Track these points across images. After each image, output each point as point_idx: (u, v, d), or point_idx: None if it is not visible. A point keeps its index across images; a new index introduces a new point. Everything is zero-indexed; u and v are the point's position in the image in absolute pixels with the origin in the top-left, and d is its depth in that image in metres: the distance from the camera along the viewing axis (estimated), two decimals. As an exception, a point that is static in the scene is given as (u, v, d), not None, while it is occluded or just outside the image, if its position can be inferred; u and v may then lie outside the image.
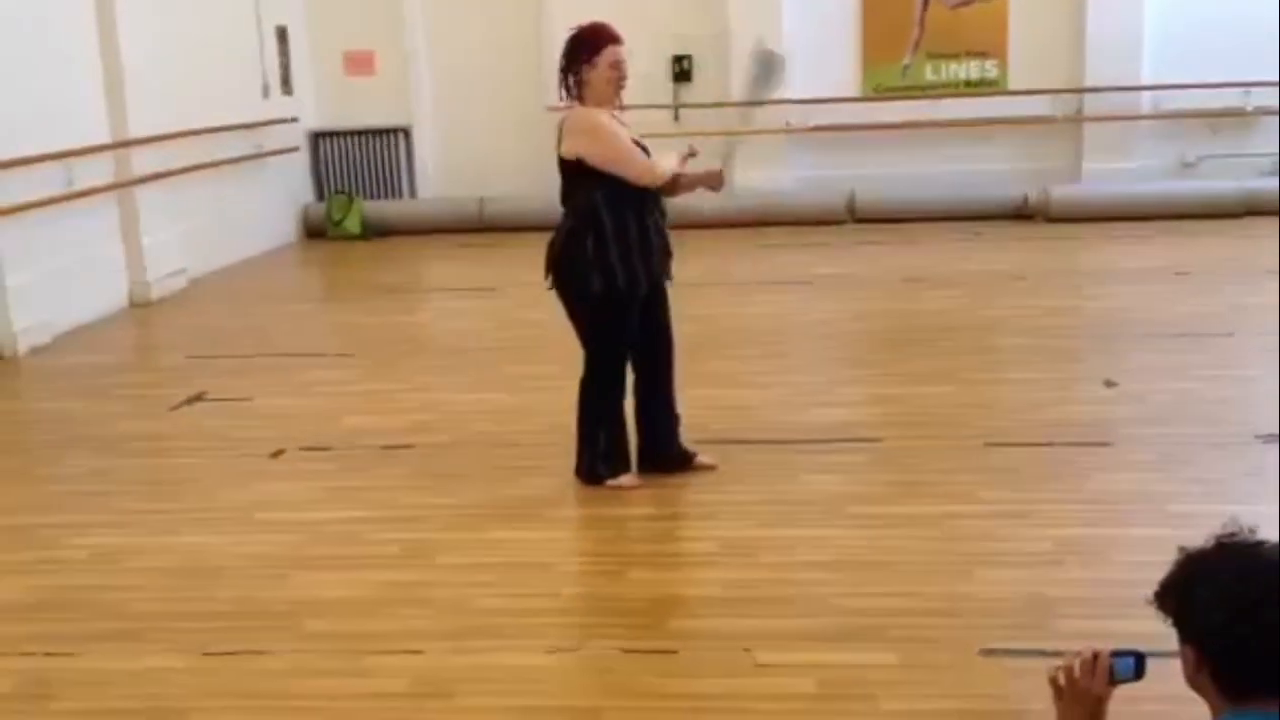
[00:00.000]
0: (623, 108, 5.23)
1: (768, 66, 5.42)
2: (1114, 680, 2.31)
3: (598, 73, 5.06)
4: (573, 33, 5.16)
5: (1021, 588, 4.22)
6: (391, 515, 5.16)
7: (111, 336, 9.03)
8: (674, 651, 3.91)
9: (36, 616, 4.35)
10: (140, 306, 9.78)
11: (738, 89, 5.45)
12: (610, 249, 5.05)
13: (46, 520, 5.26)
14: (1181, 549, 2.20)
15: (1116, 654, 2.31)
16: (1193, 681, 2.15)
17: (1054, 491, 5.12)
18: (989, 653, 3.77)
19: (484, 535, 4.91)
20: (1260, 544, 2.15)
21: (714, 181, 5.28)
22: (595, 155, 5.04)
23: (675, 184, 5.24)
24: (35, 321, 8.40)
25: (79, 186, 9.04)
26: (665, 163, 5.15)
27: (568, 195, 5.18)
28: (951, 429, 5.98)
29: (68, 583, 4.62)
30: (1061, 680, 2.35)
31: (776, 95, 5.41)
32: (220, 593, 4.48)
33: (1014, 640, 3.82)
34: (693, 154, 5.25)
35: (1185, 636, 2.14)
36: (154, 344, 9.23)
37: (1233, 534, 2.18)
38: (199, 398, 7.04)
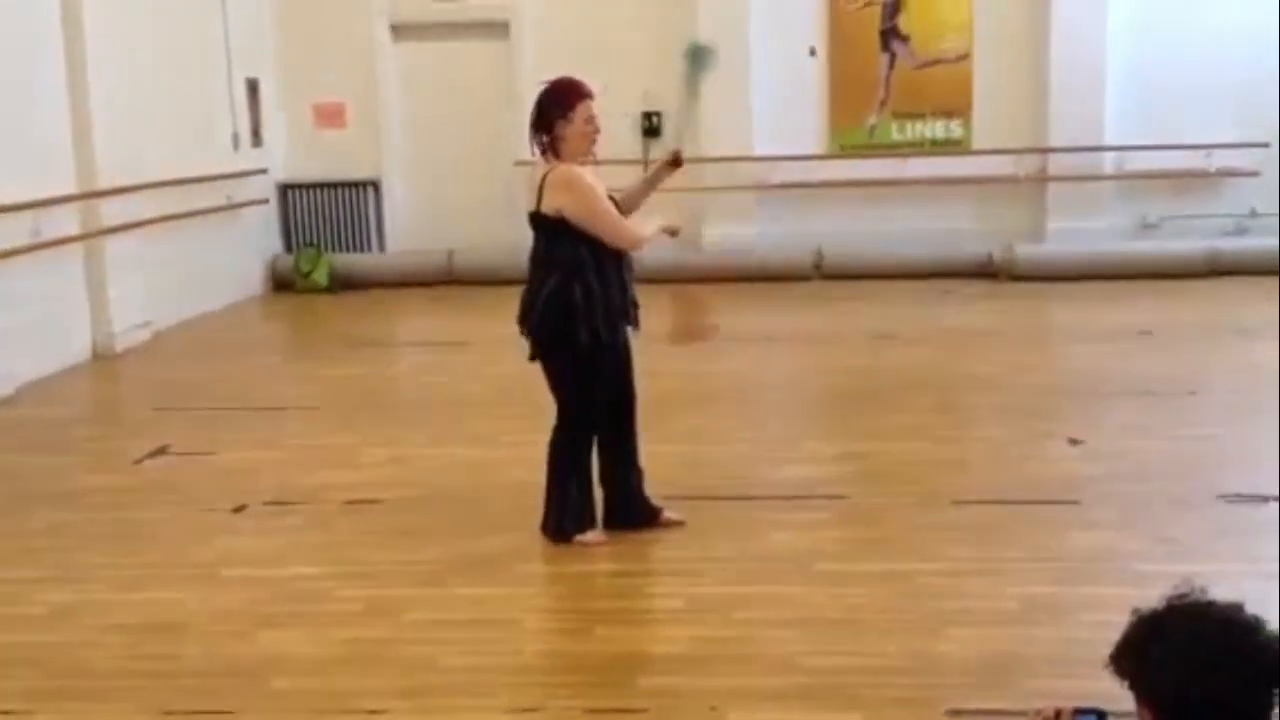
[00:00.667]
0: (596, 162, 5.25)
1: (698, 59, 5.50)
2: None
3: (574, 128, 5.08)
4: (545, 88, 5.18)
5: (988, 646, 4.22)
6: (356, 571, 5.12)
7: (75, 389, 8.96)
8: (641, 710, 3.88)
9: (-6, 674, 4.29)
10: (104, 359, 9.72)
11: (677, 89, 5.54)
12: (596, 303, 5.07)
13: (5, 575, 5.19)
14: (1135, 610, 2.21)
15: (1079, 711, 2.32)
16: None
17: (1021, 549, 5.12)
18: (956, 713, 3.76)
19: (449, 591, 4.88)
20: (1210, 604, 2.16)
21: (672, 233, 5.36)
22: (578, 215, 5.05)
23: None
24: (-2, 373, 8.34)
25: (45, 237, 9.00)
26: (646, 229, 5.20)
27: (546, 251, 5.16)
28: (918, 486, 5.99)
29: (26, 639, 4.56)
30: (1024, 737, 2.35)
31: (704, 83, 5.52)
32: (183, 650, 4.43)
33: (981, 700, 3.81)
34: (674, 232, 5.31)
35: (1141, 697, 2.15)
36: (118, 397, 9.16)
37: (1184, 594, 2.19)
38: (162, 451, 6.99)
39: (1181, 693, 2.07)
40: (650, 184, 5.42)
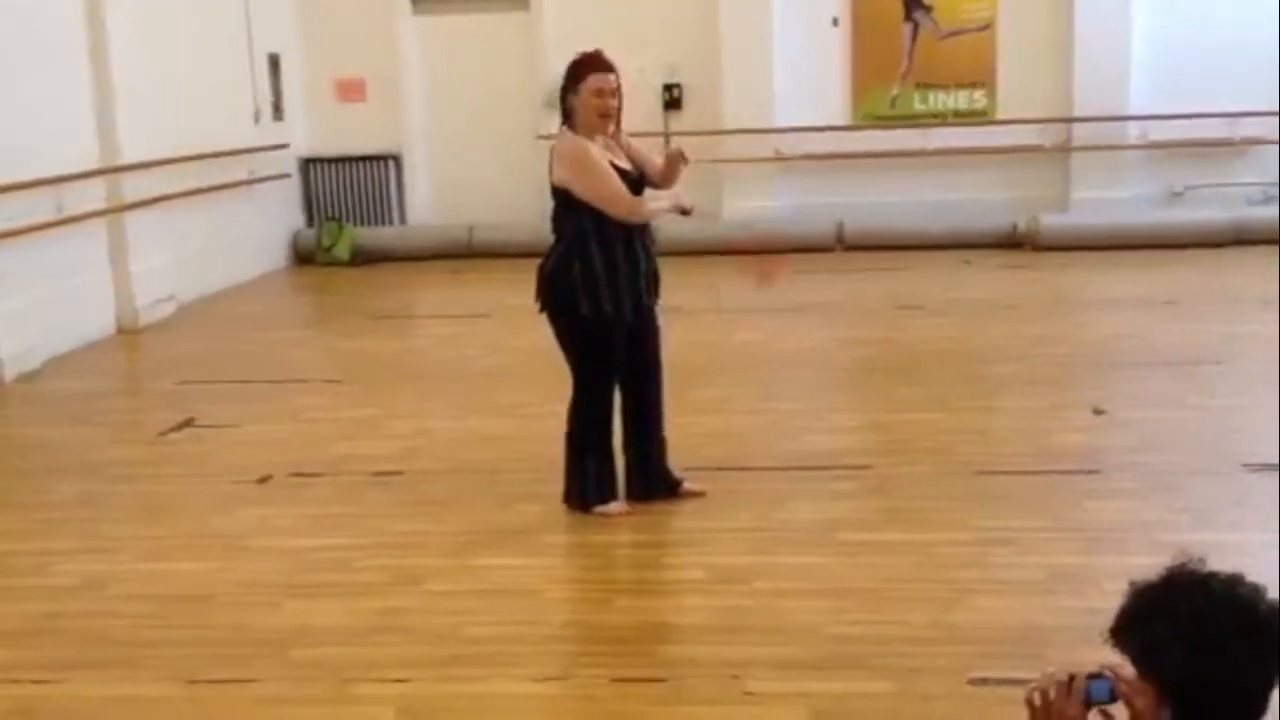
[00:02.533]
0: (614, 136, 5.22)
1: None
2: (1089, 703, 2.31)
3: (582, 100, 5.09)
4: (572, 60, 5.20)
5: (1012, 616, 4.22)
6: (380, 542, 5.14)
7: (99, 362, 9.01)
8: (662, 680, 3.90)
9: (24, 644, 4.32)
10: (128, 332, 9.76)
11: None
12: (598, 275, 5.07)
13: (34, 546, 5.24)
14: (1132, 582, 2.20)
15: (1092, 677, 2.31)
16: (1154, 717, 2.14)
17: (1044, 519, 5.12)
18: (979, 681, 3.76)
19: (472, 562, 4.89)
20: (1211, 576, 2.14)
21: (684, 211, 5.33)
22: (580, 188, 5.06)
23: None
24: (23, 348, 8.38)
25: (69, 212, 9.04)
26: (652, 204, 5.19)
27: (555, 221, 5.21)
28: (941, 456, 5.98)
29: (55, 609, 4.60)
30: (1037, 701, 2.34)
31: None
32: (208, 620, 4.46)
33: (1004, 669, 3.80)
34: (686, 211, 5.29)
35: (1145, 674, 2.14)
36: (142, 370, 9.21)
37: (1183, 565, 2.18)
38: (187, 424, 7.02)
39: (1186, 671, 2.06)
40: (666, 175, 5.36)
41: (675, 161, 5.29)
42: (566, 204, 5.12)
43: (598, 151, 5.10)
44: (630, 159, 5.23)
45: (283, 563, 4.95)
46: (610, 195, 5.06)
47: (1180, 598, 2.12)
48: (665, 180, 5.31)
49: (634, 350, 5.27)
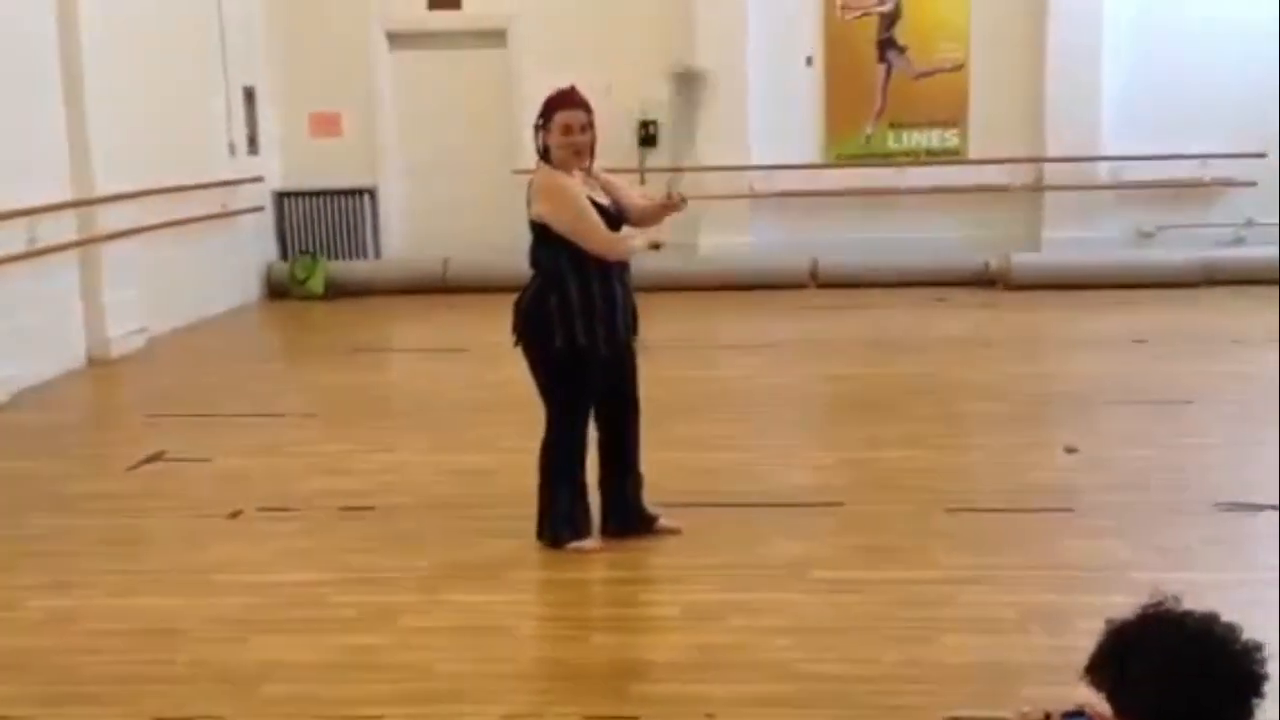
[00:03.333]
0: (587, 171, 5.23)
1: (689, 83, 5.49)
2: None
3: (552, 137, 5.12)
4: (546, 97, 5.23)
5: (984, 654, 4.22)
6: (351, 577, 5.11)
7: (70, 395, 8.95)
8: (635, 718, 3.87)
9: (-11, 679, 4.27)
10: (100, 364, 9.70)
11: (671, 119, 5.50)
12: (573, 308, 5.07)
13: (2, 581, 5.18)
14: (1109, 620, 2.20)
15: (1068, 715, 2.32)
16: None
17: (1017, 557, 5.12)
18: (953, 720, 3.75)
19: (445, 598, 4.87)
20: (1185, 615, 2.14)
21: (655, 246, 5.35)
22: (558, 223, 5.08)
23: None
24: (-7, 379, 8.32)
25: (41, 244, 8.99)
26: (630, 242, 5.21)
27: (532, 256, 5.22)
28: (915, 494, 5.99)
29: (22, 644, 4.55)
30: (1013, 740, 2.35)
31: (700, 110, 5.48)
32: (177, 655, 4.41)
33: (977, 708, 3.80)
34: (657, 246, 5.30)
35: (1119, 712, 2.14)
36: (113, 403, 9.15)
37: (1158, 604, 2.18)
38: (157, 457, 6.97)
39: (1159, 708, 2.07)
40: (652, 216, 5.38)
41: (668, 210, 5.29)
42: (544, 238, 5.13)
43: (577, 187, 5.12)
44: (608, 195, 5.25)
45: (253, 598, 4.91)
46: (587, 231, 5.07)
47: (1155, 636, 2.13)
48: (646, 222, 5.32)
49: (611, 386, 5.27)
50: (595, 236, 5.08)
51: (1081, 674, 2.21)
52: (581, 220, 5.07)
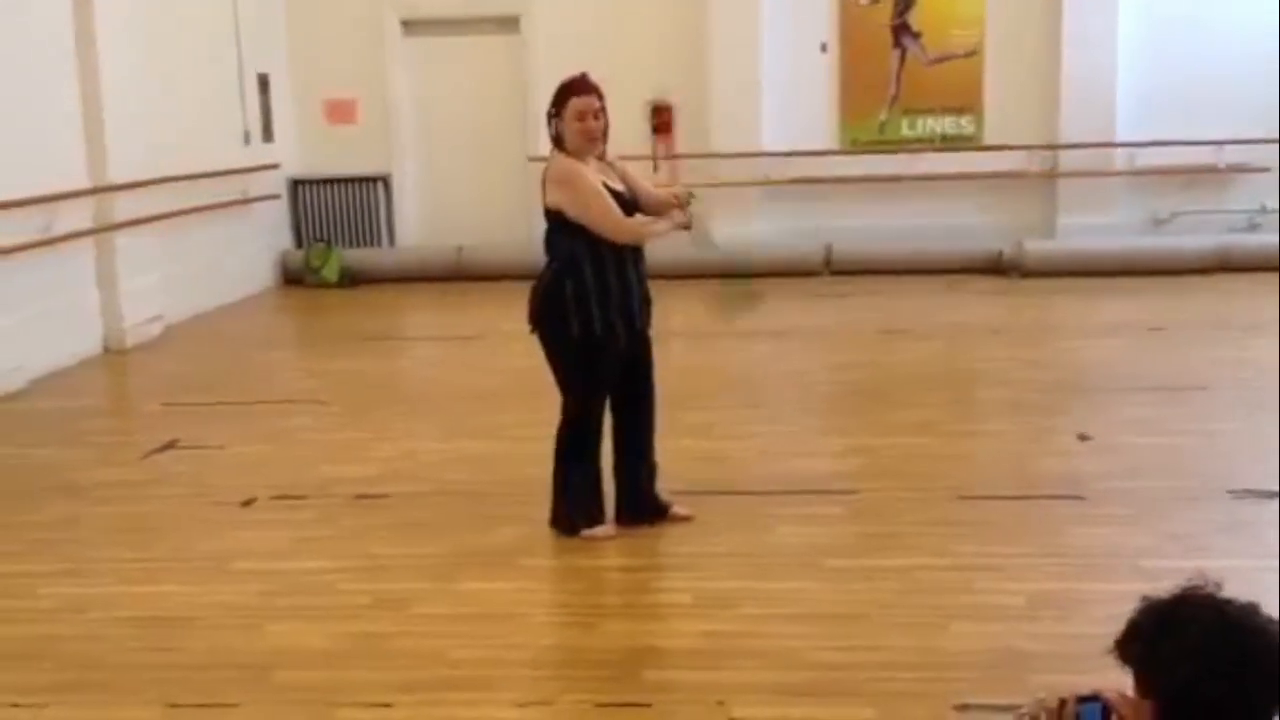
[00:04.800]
0: (602, 157, 5.23)
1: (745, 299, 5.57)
2: None
3: (566, 124, 5.12)
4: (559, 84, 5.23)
5: (995, 641, 4.22)
6: (364, 565, 5.13)
7: (85, 383, 8.98)
8: (647, 705, 3.89)
9: (6, 667, 4.29)
10: (115, 352, 9.74)
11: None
12: (589, 295, 5.08)
13: (15, 568, 5.21)
14: (1145, 598, 2.19)
15: (1083, 700, 2.31)
16: None
17: (1028, 545, 5.12)
18: (963, 707, 3.76)
19: (457, 586, 4.88)
20: (1227, 602, 2.13)
21: (684, 226, 5.31)
22: (572, 209, 5.08)
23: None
24: (10, 367, 8.35)
25: (57, 232, 9.02)
26: (651, 227, 5.19)
27: (548, 243, 5.22)
28: (927, 481, 5.99)
29: (36, 632, 4.58)
30: (1028, 727, 2.34)
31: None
32: (190, 643, 4.44)
33: (988, 694, 3.80)
34: (687, 227, 5.27)
35: (1145, 690, 2.13)
36: (128, 390, 9.19)
37: (1198, 587, 2.17)
38: (172, 445, 7.00)
39: (1189, 691, 2.05)
40: (665, 207, 5.34)
41: (678, 206, 5.28)
42: (559, 226, 5.14)
43: (591, 173, 5.12)
44: (623, 181, 5.25)
45: (266, 586, 4.93)
46: (601, 215, 5.07)
47: (1193, 619, 2.11)
48: (659, 211, 5.30)
49: (626, 375, 5.28)
50: (610, 221, 5.08)
51: (1110, 647, 2.19)
52: (596, 206, 5.08)
